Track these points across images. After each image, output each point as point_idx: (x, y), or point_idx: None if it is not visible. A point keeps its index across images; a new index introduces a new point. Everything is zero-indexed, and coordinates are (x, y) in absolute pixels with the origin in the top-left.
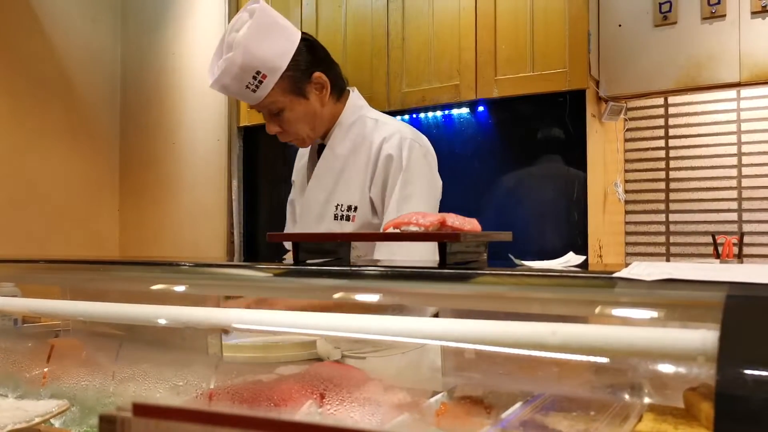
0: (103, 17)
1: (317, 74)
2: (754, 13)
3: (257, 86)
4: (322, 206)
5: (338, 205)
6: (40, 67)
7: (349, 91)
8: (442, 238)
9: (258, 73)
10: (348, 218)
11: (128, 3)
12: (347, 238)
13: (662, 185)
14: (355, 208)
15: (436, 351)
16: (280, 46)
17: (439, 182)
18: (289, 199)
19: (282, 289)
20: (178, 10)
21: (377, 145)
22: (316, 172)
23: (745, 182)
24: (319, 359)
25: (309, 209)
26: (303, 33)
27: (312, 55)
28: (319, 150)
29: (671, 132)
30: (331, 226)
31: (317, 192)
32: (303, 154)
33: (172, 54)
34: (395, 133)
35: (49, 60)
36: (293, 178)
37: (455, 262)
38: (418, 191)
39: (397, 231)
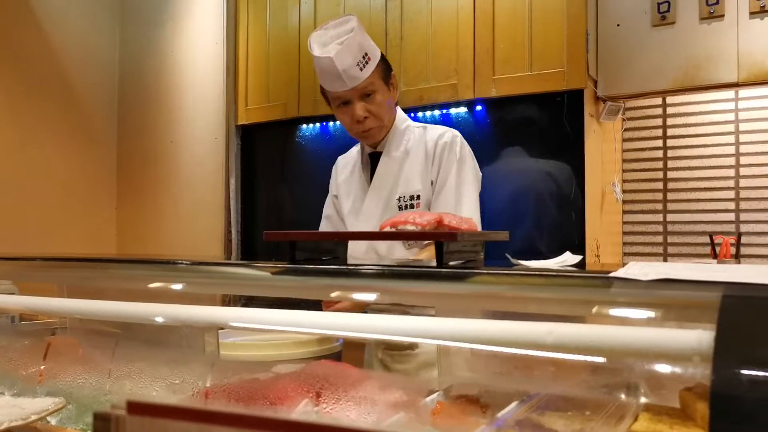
0: (101, 15)
1: (393, 74)
2: (752, 14)
3: (364, 65)
4: (386, 201)
5: (401, 197)
6: (37, 65)
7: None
8: (439, 237)
9: (366, 54)
10: (412, 206)
11: (127, 1)
12: (346, 238)
13: (660, 185)
14: (418, 196)
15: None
16: (374, 44)
17: (480, 174)
18: (326, 213)
19: (279, 288)
20: (176, 9)
21: (434, 140)
22: (377, 175)
23: (742, 182)
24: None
25: (374, 207)
26: None
27: (386, 60)
28: (372, 157)
29: (669, 132)
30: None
31: (381, 191)
32: (344, 168)
33: (170, 52)
34: (447, 131)
35: (46, 58)
36: (334, 192)
37: (452, 262)
38: (470, 178)
39: (394, 230)
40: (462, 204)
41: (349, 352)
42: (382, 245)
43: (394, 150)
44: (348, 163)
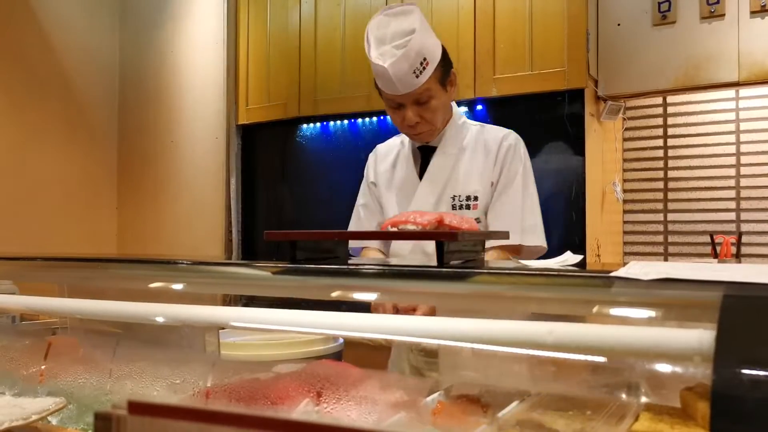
0: (101, 15)
1: (453, 71)
2: (753, 13)
3: (420, 72)
4: (437, 199)
5: (455, 196)
6: (38, 65)
7: None
8: (440, 237)
9: (424, 59)
10: (468, 207)
11: (127, 1)
12: (345, 237)
13: (660, 185)
14: (476, 197)
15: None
16: (435, 39)
17: None
18: (362, 201)
19: (280, 288)
20: (176, 9)
21: (497, 141)
22: (431, 169)
23: (743, 182)
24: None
25: (425, 202)
26: None
27: (447, 54)
28: (421, 150)
29: (670, 131)
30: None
31: (433, 186)
32: (385, 157)
33: (170, 52)
34: (511, 133)
35: (47, 58)
36: (373, 179)
37: (453, 261)
38: (533, 184)
39: (395, 230)
40: (526, 211)
41: (350, 352)
42: (429, 244)
43: (450, 146)
44: (390, 153)
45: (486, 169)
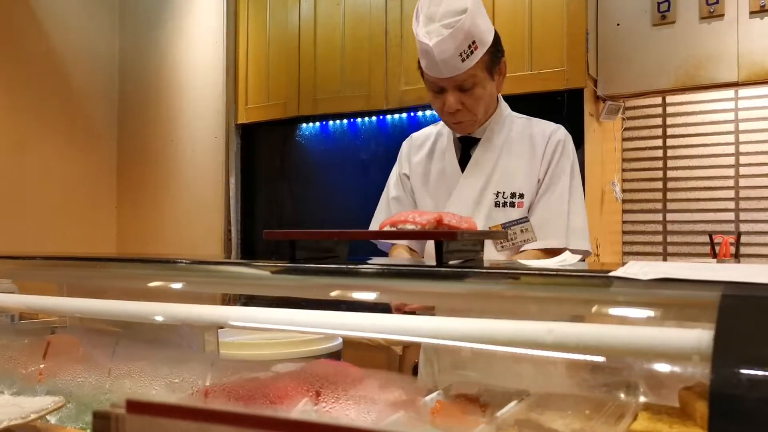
0: (101, 14)
1: (504, 59)
2: (752, 13)
3: (468, 56)
4: (479, 194)
5: (498, 192)
6: (37, 63)
7: None
8: (439, 236)
9: (473, 42)
10: (513, 205)
11: (126, 0)
12: (344, 237)
13: (659, 185)
14: (521, 194)
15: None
16: (488, 23)
17: None
18: (394, 194)
19: (279, 287)
20: (176, 8)
21: (545, 136)
22: (474, 162)
23: (742, 182)
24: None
25: (464, 197)
26: None
27: (499, 40)
28: (462, 141)
29: (669, 131)
30: (493, 214)
31: (475, 180)
32: (420, 147)
33: (170, 51)
34: (559, 128)
35: (46, 57)
36: (406, 171)
37: (452, 261)
38: (581, 184)
39: (394, 229)
40: (572, 212)
41: (349, 351)
42: None
43: (495, 137)
44: (425, 143)
45: (533, 165)
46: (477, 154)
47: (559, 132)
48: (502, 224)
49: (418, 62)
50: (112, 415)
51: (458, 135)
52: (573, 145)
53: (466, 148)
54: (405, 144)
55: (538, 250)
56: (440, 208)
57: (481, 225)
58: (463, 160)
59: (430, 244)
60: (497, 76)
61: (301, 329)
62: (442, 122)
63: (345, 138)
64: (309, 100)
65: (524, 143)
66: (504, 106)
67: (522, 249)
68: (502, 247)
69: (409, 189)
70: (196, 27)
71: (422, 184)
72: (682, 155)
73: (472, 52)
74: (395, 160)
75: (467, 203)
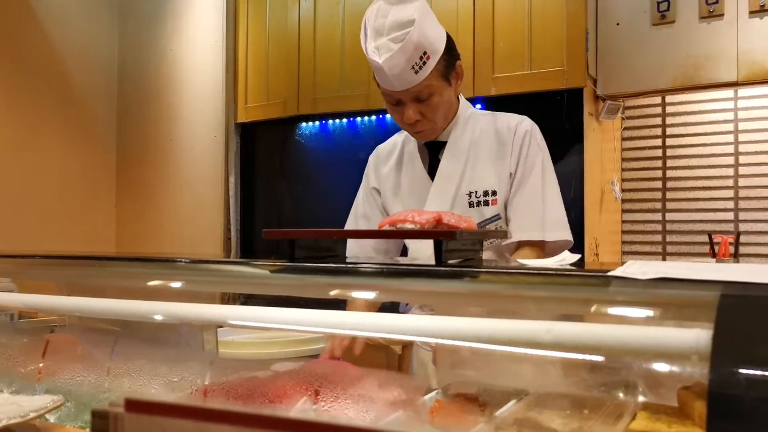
0: (100, 12)
1: (459, 62)
2: (752, 13)
3: (420, 67)
4: (452, 198)
5: (471, 192)
6: (36, 62)
7: None
8: (438, 236)
9: (424, 53)
10: (487, 203)
11: None
12: (344, 236)
13: (659, 184)
14: (494, 191)
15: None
16: (439, 29)
17: None
18: (363, 212)
19: (278, 286)
20: (176, 7)
21: (511, 128)
22: (442, 168)
23: (741, 182)
24: (315, 356)
25: (440, 204)
26: None
27: (453, 44)
28: (428, 147)
29: (668, 131)
30: (470, 215)
31: (447, 185)
32: (387, 158)
33: (169, 50)
34: (525, 119)
35: (46, 55)
36: (375, 185)
37: (451, 260)
38: (553, 174)
39: (393, 228)
40: (547, 204)
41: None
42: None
43: (460, 139)
44: (392, 153)
45: (503, 160)
46: (444, 160)
47: (524, 123)
48: (477, 224)
49: (374, 75)
50: (111, 414)
51: (424, 141)
52: (541, 135)
53: (433, 152)
54: (372, 157)
55: (520, 244)
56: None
57: None
58: (432, 166)
59: (419, 246)
60: (454, 80)
61: (300, 328)
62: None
63: (344, 137)
64: (308, 99)
65: (491, 140)
66: (465, 105)
67: (515, 249)
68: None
69: (379, 204)
70: (195, 26)
71: (393, 195)
72: (681, 155)
73: (424, 63)
74: None
75: (442, 209)
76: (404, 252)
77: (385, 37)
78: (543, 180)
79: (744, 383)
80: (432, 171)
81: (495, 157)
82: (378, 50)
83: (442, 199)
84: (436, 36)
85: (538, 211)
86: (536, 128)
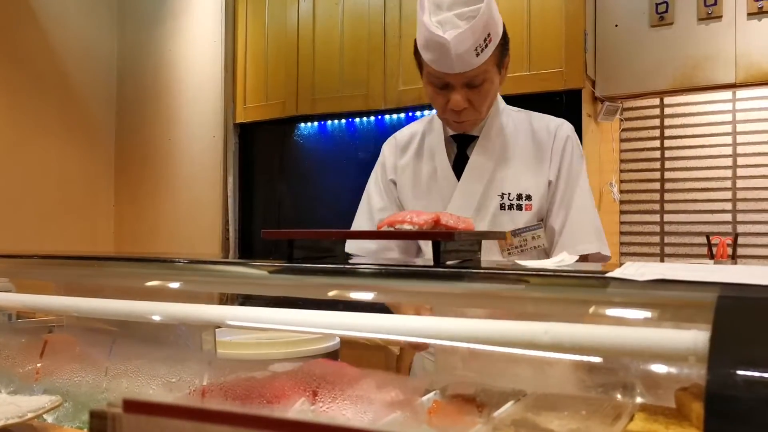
0: (99, 13)
1: (509, 53)
2: (750, 15)
3: (483, 49)
4: (480, 199)
5: (505, 194)
6: (36, 62)
7: None
8: (436, 237)
9: (488, 35)
10: (520, 207)
11: None
12: (342, 236)
13: (657, 185)
14: (528, 196)
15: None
16: (498, 13)
17: None
18: (379, 205)
19: (276, 287)
20: (175, 7)
21: (550, 132)
22: (473, 164)
23: (739, 183)
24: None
25: (463, 206)
26: None
27: (506, 32)
28: (456, 139)
29: (667, 132)
30: (499, 218)
31: (474, 185)
32: (406, 147)
33: (168, 50)
34: (564, 122)
35: (45, 55)
36: (392, 177)
37: (449, 261)
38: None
39: (392, 229)
40: (595, 215)
41: (347, 351)
42: (483, 253)
43: (495, 135)
44: (411, 143)
45: (540, 164)
46: (475, 155)
47: (564, 127)
48: (511, 231)
49: (415, 53)
50: (109, 414)
51: (452, 132)
52: (578, 141)
53: (461, 147)
54: (387, 146)
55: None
56: (454, 209)
57: (484, 230)
58: (458, 162)
59: (427, 245)
60: (503, 70)
61: (299, 329)
62: (428, 119)
63: (343, 137)
64: (307, 99)
65: (526, 139)
66: (500, 102)
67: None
68: (509, 253)
69: (395, 198)
70: (194, 26)
71: (411, 190)
72: (679, 156)
73: (486, 46)
74: None
75: (467, 212)
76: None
77: (447, 12)
78: (588, 190)
79: (741, 384)
80: (457, 167)
81: (531, 159)
82: (442, 25)
83: (468, 199)
84: (498, 18)
85: (592, 224)
86: (574, 132)
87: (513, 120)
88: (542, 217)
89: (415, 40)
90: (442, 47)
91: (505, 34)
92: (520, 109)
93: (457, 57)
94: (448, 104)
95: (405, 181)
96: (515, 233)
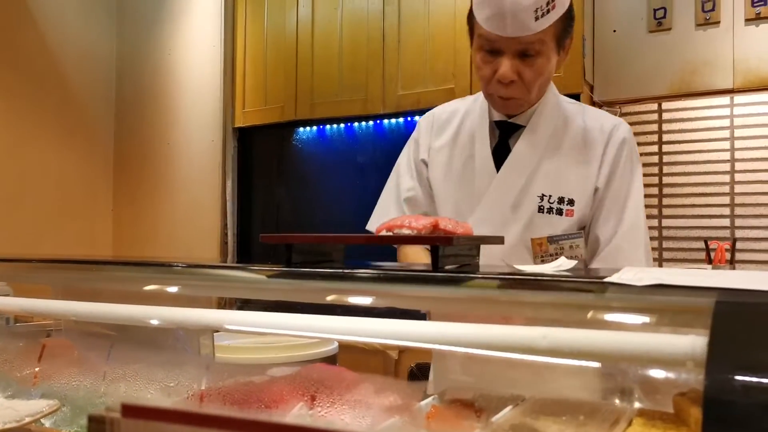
0: (98, 15)
1: (573, 36)
2: (747, 20)
3: (543, 14)
4: (518, 196)
5: (544, 195)
6: (34, 64)
7: None
8: (435, 241)
9: (552, 0)
10: (561, 212)
11: (124, 1)
12: (341, 241)
13: (655, 190)
14: (571, 201)
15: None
16: None
17: None
18: (409, 193)
19: (275, 291)
20: (174, 9)
21: (605, 132)
22: (515, 156)
23: (737, 188)
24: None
25: (498, 201)
26: None
27: (572, 9)
28: (500, 126)
29: (664, 138)
30: (536, 221)
31: (513, 178)
32: (444, 127)
33: (167, 53)
34: (621, 123)
35: (43, 58)
36: (425, 156)
37: (448, 266)
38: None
39: (390, 234)
40: (645, 231)
41: (345, 356)
42: (513, 257)
43: (542, 126)
44: (450, 122)
45: (588, 167)
46: (519, 146)
47: (621, 128)
48: (548, 237)
49: (469, 15)
50: (108, 418)
51: (497, 118)
52: (635, 143)
53: (504, 135)
54: (424, 121)
55: None
56: (464, 214)
57: (518, 233)
58: (499, 151)
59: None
60: (563, 52)
61: (297, 333)
62: (472, 98)
63: (342, 142)
64: (306, 103)
65: (576, 136)
66: (554, 91)
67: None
68: (542, 260)
69: (425, 178)
70: (193, 30)
71: (443, 176)
72: (677, 161)
73: (548, 11)
74: (392, 165)
75: (503, 208)
76: None
77: None
78: (641, 203)
79: (739, 389)
80: (496, 157)
81: (578, 161)
82: None
83: (506, 194)
84: None
85: (643, 241)
86: (632, 134)
87: (565, 112)
88: (584, 225)
89: (471, 1)
90: (498, 4)
91: (571, 9)
92: (573, 101)
93: (512, 16)
94: (496, 75)
95: (438, 164)
96: (552, 240)
